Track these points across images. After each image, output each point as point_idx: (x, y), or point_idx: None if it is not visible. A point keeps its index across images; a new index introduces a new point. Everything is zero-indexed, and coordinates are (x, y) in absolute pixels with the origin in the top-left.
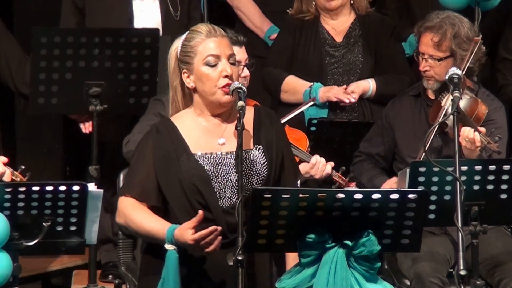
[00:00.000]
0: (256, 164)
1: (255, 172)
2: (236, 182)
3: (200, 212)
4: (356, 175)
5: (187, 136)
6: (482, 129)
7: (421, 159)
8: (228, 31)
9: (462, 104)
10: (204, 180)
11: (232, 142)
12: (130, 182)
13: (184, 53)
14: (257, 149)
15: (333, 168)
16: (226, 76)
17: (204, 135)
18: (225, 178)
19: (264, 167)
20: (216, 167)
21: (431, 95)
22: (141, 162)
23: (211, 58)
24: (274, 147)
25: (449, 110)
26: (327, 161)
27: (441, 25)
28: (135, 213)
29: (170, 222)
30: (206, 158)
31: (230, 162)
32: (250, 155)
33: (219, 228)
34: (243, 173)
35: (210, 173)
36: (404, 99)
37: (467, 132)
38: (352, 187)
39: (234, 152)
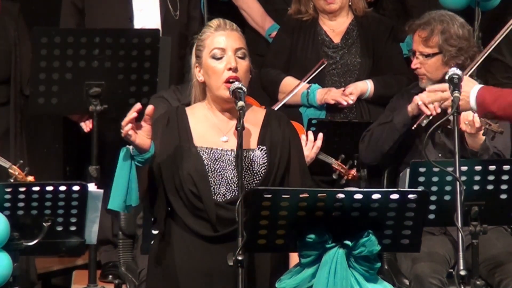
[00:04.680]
0: (255, 164)
1: (252, 172)
2: (232, 180)
3: (150, 106)
4: (369, 137)
5: (194, 128)
6: None
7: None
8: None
9: None
10: (200, 173)
11: (235, 141)
12: None
13: (197, 47)
14: (260, 149)
15: (332, 156)
16: (230, 69)
17: (210, 130)
18: (221, 174)
19: (263, 168)
20: (214, 162)
21: None
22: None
23: (216, 51)
24: (278, 149)
25: (449, 110)
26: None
27: (430, 22)
28: None
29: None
30: (206, 152)
31: (228, 159)
32: (251, 155)
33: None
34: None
35: (207, 168)
36: (407, 96)
37: (466, 115)
38: (353, 173)
39: (234, 151)
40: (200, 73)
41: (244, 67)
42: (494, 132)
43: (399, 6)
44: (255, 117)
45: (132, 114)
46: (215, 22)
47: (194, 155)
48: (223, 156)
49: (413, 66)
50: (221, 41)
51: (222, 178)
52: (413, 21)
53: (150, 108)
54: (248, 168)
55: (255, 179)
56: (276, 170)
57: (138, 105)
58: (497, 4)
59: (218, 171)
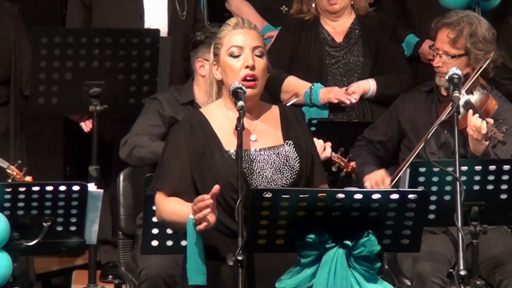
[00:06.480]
0: (290, 158)
1: (288, 167)
2: (272, 178)
3: (216, 186)
4: (353, 157)
5: (220, 132)
6: (490, 120)
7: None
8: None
9: (474, 98)
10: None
11: (264, 139)
12: (164, 177)
13: (215, 45)
14: (288, 144)
15: (332, 150)
16: (247, 67)
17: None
18: (260, 174)
19: (297, 162)
20: (251, 164)
21: (444, 92)
22: (175, 156)
23: (234, 49)
24: (303, 142)
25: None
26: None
27: (459, 22)
28: (166, 203)
29: None
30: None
31: (263, 159)
32: (283, 150)
33: (207, 198)
34: (278, 168)
35: (246, 171)
36: (416, 94)
37: (474, 120)
38: (352, 165)
39: (267, 149)
40: (217, 71)
41: (261, 65)
42: (497, 140)
43: (399, 6)
44: (272, 113)
45: (205, 211)
46: (233, 20)
47: (228, 161)
48: (258, 156)
49: (435, 64)
50: (239, 39)
51: (262, 178)
52: (440, 18)
53: (216, 188)
54: (285, 164)
55: (292, 174)
56: (305, 163)
57: (208, 200)
58: (497, 4)
59: (257, 171)
